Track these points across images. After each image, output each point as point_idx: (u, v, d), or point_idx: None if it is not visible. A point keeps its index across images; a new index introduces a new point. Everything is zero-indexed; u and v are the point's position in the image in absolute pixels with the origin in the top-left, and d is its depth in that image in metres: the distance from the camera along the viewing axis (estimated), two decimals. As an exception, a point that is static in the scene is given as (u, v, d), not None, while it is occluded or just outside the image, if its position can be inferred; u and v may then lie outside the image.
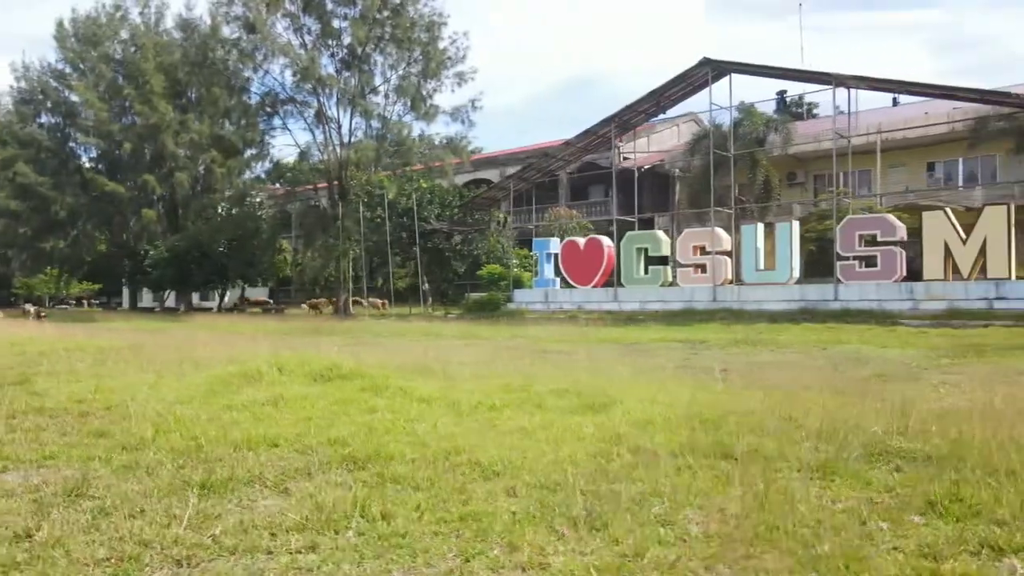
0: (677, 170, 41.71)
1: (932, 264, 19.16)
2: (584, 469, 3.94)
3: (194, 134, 41.13)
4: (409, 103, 34.63)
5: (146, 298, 50.48)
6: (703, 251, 23.67)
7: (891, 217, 20.50)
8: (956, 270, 19.01)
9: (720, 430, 4.83)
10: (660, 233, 26.01)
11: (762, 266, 22.57)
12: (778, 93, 24.08)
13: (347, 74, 34.74)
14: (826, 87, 22.12)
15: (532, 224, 37.17)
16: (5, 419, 5.78)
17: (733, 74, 23.47)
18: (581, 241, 27.43)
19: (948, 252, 18.87)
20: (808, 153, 37.54)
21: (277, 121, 36.04)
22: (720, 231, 23.87)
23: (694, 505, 3.34)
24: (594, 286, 26.52)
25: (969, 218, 28.79)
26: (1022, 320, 16.65)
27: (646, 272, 25.29)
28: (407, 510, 3.27)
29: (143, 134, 41.50)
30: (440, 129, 41.46)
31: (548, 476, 3.79)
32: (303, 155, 36.70)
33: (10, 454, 4.53)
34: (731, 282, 23.67)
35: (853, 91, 23.59)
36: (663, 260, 25.29)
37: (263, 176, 37.78)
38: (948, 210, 19.78)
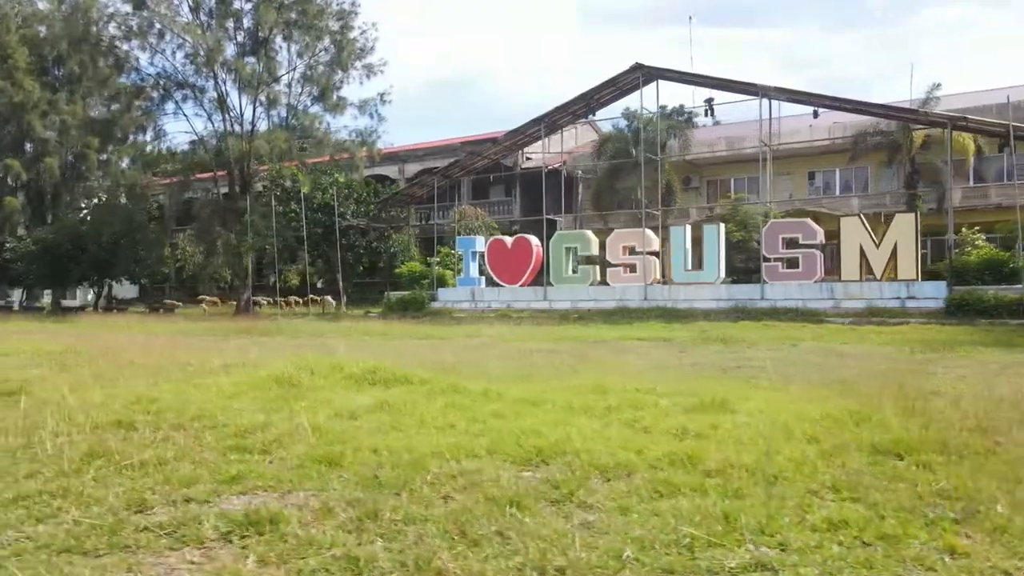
0: (580, 172, 42.68)
1: (849, 266, 20.73)
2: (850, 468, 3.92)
3: (66, 115, 37.45)
4: (318, 93, 33.28)
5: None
6: (632, 251, 24.33)
7: (811, 222, 21.99)
8: (870, 271, 20.65)
9: (893, 428, 4.95)
10: (589, 233, 26.48)
11: (690, 266, 23.52)
12: (706, 101, 25.19)
13: (250, 60, 32.86)
14: (751, 97, 23.33)
15: (435, 222, 36.80)
16: (109, 432, 5.02)
17: (661, 80, 24.28)
18: (508, 240, 27.45)
19: (863, 255, 20.47)
20: (703, 159, 39.54)
21: (170, 106, 33.50)
22: (649, 232, 24.64)
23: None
24: (522, 285, 26.60)
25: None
26: (932, 317, 18.38)
27: (575, 271, 25.68)
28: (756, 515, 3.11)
29: (5, 114, 37.32)
30: (348, 123, 40.08)
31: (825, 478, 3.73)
32: (195, 143, 34.35)
33: (219, 476, 3.94)
34: (659, 281, 24.50)
35: (758, 102, 25.17)
36: (592, 260, 25.76)
37: (146, 165, 34.81)
38: (862, 216, 21.48)
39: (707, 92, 28.04)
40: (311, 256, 31.72)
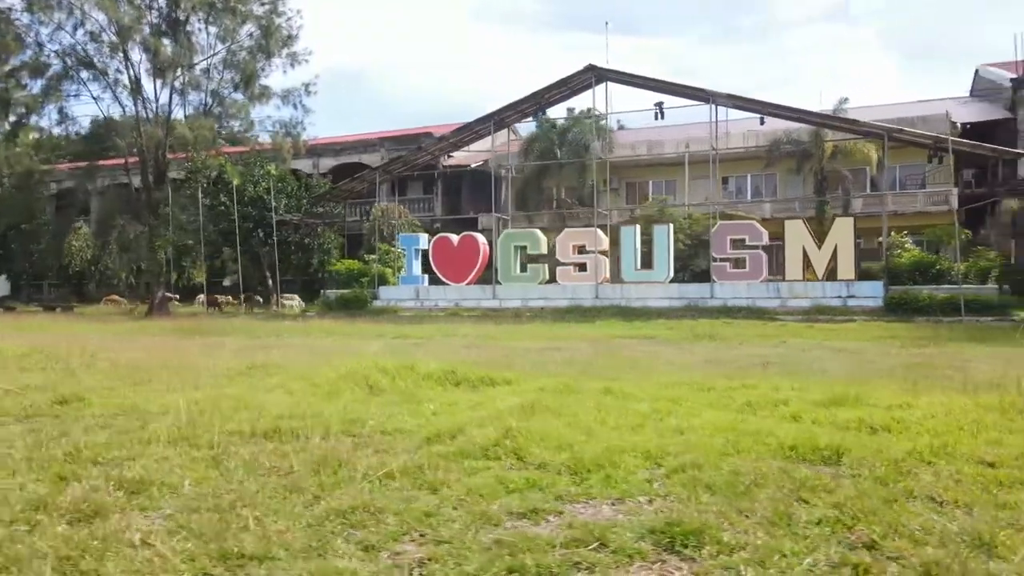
0: (504, 171, 42.72)
1: (792, 266, 21.89)
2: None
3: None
4: (240, 81, 31.49)
5: None
6: (583, 250, 24.62)
7: (757, 224, 23.04)
8: (810, 270, 21.89)
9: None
10: (538, 232, 26.55)
11: (639, 265, 24.06)
12: (656, 104, 25.81)
13: (166, 42, 30.62)
14: (701, 103, 24.14)
15: (356, 219, 35.74)
16: (279, 442, 4.56)
17: (612, 82, 24.70)
18: (454, 238, 27.07)
19: (806, 256, 21.67)
20: (623, 161, 40.50)
21: (75, 86, 30.65)
22: (600, 232, 25.01)
23: None
24: (468, 283, 26.32)
25: (769, 226, 33.21)
26: (874, 315, 19.73)
27: (523, 270, 25.68)
28: None
29: None
30: (271, 113, 37.96)
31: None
32: (98, 125, 31.63)
33: (512, 485, 3.64)
34: (608, 280, 24.91)
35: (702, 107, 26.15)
36: (541, 258, 25.85)
37: (45, 149, 31.68)
38: (803, 220, 22.72)
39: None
40: (235, 252, 29.99)
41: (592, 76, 24.11)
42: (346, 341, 15.32)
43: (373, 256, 28.16)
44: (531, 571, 2.60)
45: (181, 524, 3.06)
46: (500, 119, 26.89)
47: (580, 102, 33.46)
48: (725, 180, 42.75)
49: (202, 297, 31.78)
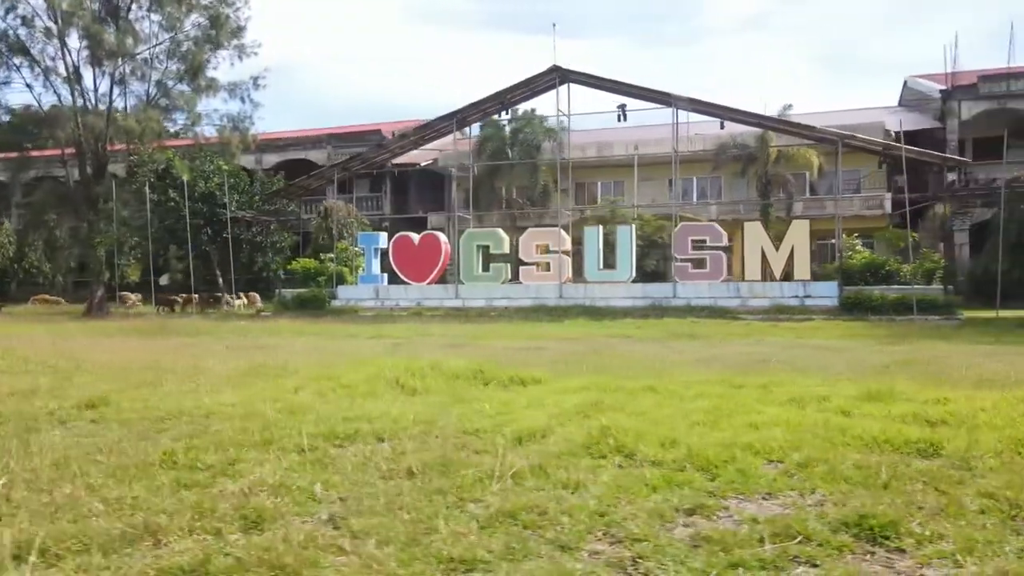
0: (454, 170, 42.54)
1: (751, 267, 22.57)
2: None
3: None
4: (188, 72, 30.30)
5: None
6: (546, 250, 24.75)
7: (717, 226, 23.65)
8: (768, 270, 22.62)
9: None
10: (501, 232, 26.53)
11: (602, 265, 24.35)
12: (619, 106, 26.12)
13: (107, 29, 29.17)
14: (663, 106, 24.60)
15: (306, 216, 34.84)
16: (358, 448, 4.44)
17: (576, 84, 24.92)
18: (415, 237, 26.78)
19: (764, 257, 22.37)
20: (574, 162, 40.81)
21: (1, 73, 28.84)
22: (563, 232, 25.19)
23: None
24: (428, 283, 26.09)
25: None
26: (831, 314, 20.54)
27: (486, 269, 25.63)
28: None
29: None
30: (219, 106, 36.30)
31: None
32: (27, 117, 29.93)
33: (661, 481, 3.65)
34: (571, 280, 25.12)
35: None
36: (503, 258, 25.84)
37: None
38: (760, 223, 23.45)
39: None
40: (180, 251, 28.85)
41: (556, 77, 24.28)
42: (322, 341, 14.99)
43: (329, 255, 27.58)
44: (752, 565, 2.62)
45: (359, 529, 2.96)
46: (462, 118, 26.76)
47: (542, 102, 33.59)
48: (671, 182, 43.69)
49: (134, 296, 30.43)
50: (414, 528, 2.93)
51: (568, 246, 25.01)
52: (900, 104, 43.29)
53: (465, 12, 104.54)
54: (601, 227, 25.22)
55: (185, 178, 26.15)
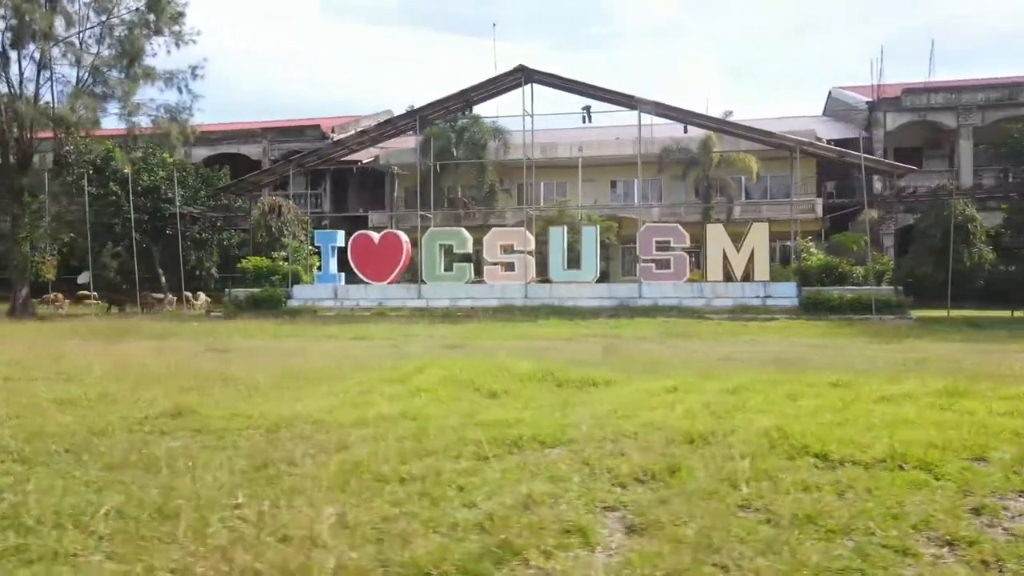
0: (396, 168, 41.87)
1: (713, 268, 23.20)
2: None
3: None
4: (123, 58, 28.51)
5: None
6: (511, 250, 24.68)
7: (680, 227, 24.17)
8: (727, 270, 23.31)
9: None
10: (464, 231, 26.25)
11: (567, 266, 24.48)
12: (583, 108, 26.28)
13: (37, 6, 27.08)
14: (626, 109, 24.92)
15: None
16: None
17: (543, 85, 24.94)
18: (375, 236, 26.16)
19: (726, 258, 23.04)
20: (512, 162, 40.92)
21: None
22: (526, 232, 25.18)
23: None
24: (389, 283, 25.56)
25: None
26: (793, 313, 21.34)
27: (448, 269, 25.32)
28: None
29: None
30: (154, 96, 33.87)
31: None
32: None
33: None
34: (535, 280, 25.13)
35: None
36: (466, 257, 25.59)
37: None
38: (721, 225, 24.14)
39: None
40: (116, 248, 27.09)
41: (521, 76, 24.25)
42: (307, 343, 14.46)
43: (281, 253, 26.57)
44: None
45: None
46: (424, 116, 26.34)
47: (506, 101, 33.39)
48: (613, 184, 44.41)
49: (53, 296, 28.39)
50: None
51: (532, 246, 25.02)
52: (825, 114, 45.50)
53: (382, 9, 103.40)
54: (565, 228, 25.34)
55: (126, 171, 24.60)
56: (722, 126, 25.17)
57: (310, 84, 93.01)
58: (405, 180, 42.13)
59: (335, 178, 43.56)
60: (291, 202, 35.62)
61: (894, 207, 35.08)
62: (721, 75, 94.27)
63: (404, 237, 25.97)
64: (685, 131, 26.67)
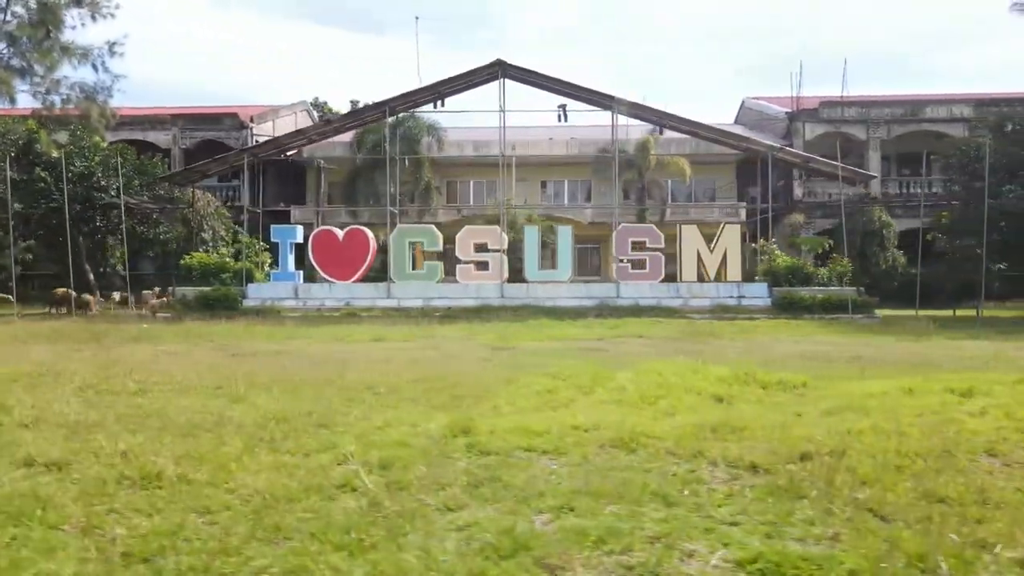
0: (322, 162, 40.03)
1: (688, 268, 23.63)
2: None
3: None
4: (38, 29, 25.28)
5: None
6: (484, 248, 24.05)
7: (655, 228, 24.44)
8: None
9: None
10: (434, 228, 25.30)
11: (541, 265, 24.15)
12: (560, 106, 25.87)
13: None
14: (601, 109, 24.88)
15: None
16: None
17: (516, 81, 24.47)
18: (339, 232, 24.70)
19: (700, 259, 23.55)
20: (443, 160, 40.21)
21: None
22: (500, 230, 24.63)
23: None
24: (354, 281, 24.23)
25: (591, 230, 35.51)
26: (767, 312, 22.11)
27: (416, 267, 24.33)
28: None
29: None
30: (68, 73, 29.71)
31: None
32: None
33: None
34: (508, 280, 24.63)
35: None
36: (437, 256, 24.68)
37: None
38: (696, 226, 24.63)
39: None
40: (27, 242, 23.95)
41: (498, 71, 23.67)
42: (325, 347, 13.31)
43: (224, 250, 24.49)
44: None
45: None
46: (392, 108, 25.16)
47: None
48: (544, 183, 44.56)
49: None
50: None
51: (506, 244, 24.50)
52: (737, 122, 47.72)
53: (267, 3, 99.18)
54: (539, 227, 25.02)
55: (54, 154, 21.83)
56: (696, 128, 25.69)
57: (187, 71, 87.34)
58: (332, 175, 40.38)
59: (251, 170, 41.11)
60: (209, 194, 33.18)
61: (810, 213, 37.35)
62: (621, 85, 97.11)
63: (370, 235, 24.72)
64: (660, 132, 27.00)
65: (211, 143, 39.66)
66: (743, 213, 39.42)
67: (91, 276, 23.55)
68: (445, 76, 23.89)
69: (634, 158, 37.24)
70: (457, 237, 24.18)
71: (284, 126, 45.73)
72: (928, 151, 39.07)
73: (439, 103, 24.33)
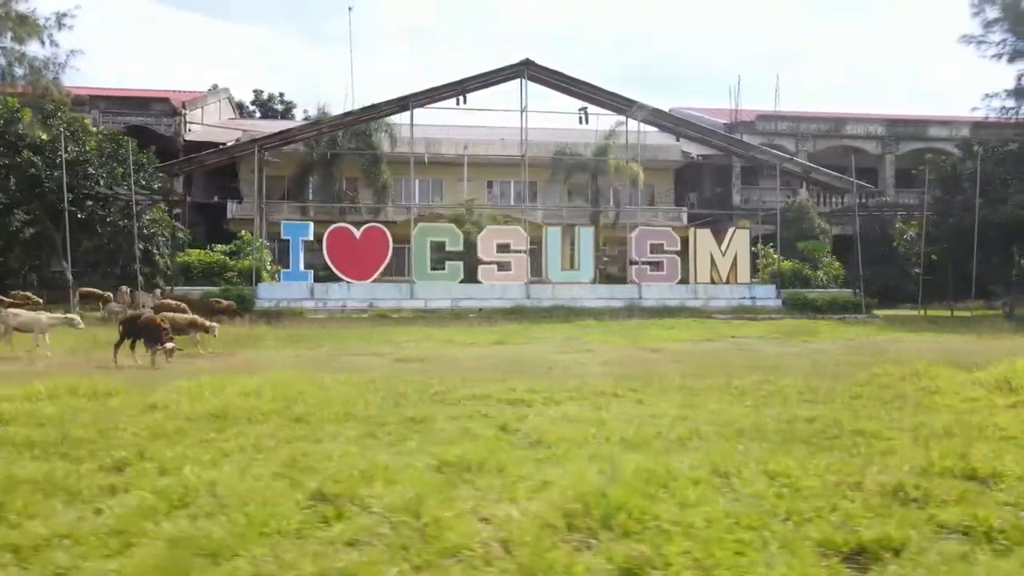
0: (267, 155, 37.65)
1: (701, 271, 24.52)
2: None
3: None
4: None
5: None
6: (506, 249, 23.68)
7: (672, 231, 25.11)
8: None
9: None
10: (455, 227, 24.52)
11: (563, 267, 24.15)
12: (580, 109, 25.57)
13: None
14: (621, 114, 25.20)
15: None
16: None
17: (538, 83, 24.29)
18: (355, 230, 23.37)
19: (712, 262, 24.51)
20: (396, 157, 39.09)
21: None
22: (521, 230, 24.35)
23: None
24: (373, 281, 23.04)
25: (535, 230, 35.92)
26: (783, 312, 23.44)
27: (438, 267, 23.53)
28: None
29: None
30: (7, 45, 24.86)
31: None
32: None
33: None
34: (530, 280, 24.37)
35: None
36: (458, 255, 23.94)
37: None
38: (710, 230, 25.55)
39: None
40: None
41: (524, 70, 23.39)
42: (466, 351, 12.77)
43: (220, 246, 22.36)
44: None
45: None
46: (414, 103, 24.12)
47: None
48: (490, 184, 44.38)
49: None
50: None
51: (527, 245, 24.22)
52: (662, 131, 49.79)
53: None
54: (561, 228, 24.98)
55: (44, 137, 18.98)
56: (709, 136, 26.64)
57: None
58: (277, 168, 38.10)
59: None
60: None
61: (756, 218, 39.84)
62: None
63: (388, 233, 23.59)
64: (677, 139, 27.69)
65: (138, 129, 36.16)
66: (684, 217, 41.22)
67: (69, 274, 20.54)
68: (470, 73, 23.34)
69: (588, 161, 37.93)
70: (479, 238, 23.67)
71: (211, 114, 42.58)
72: (845, 165, 42.83)
73: (462, 99, 23.67)
